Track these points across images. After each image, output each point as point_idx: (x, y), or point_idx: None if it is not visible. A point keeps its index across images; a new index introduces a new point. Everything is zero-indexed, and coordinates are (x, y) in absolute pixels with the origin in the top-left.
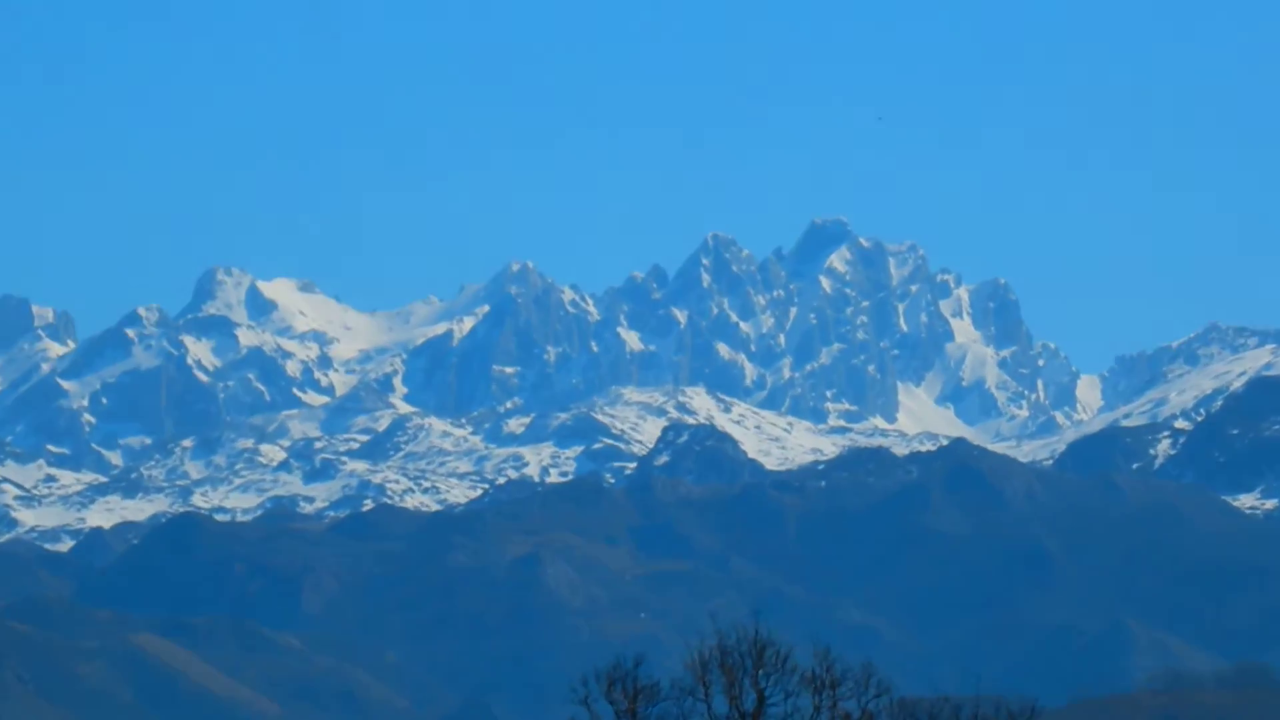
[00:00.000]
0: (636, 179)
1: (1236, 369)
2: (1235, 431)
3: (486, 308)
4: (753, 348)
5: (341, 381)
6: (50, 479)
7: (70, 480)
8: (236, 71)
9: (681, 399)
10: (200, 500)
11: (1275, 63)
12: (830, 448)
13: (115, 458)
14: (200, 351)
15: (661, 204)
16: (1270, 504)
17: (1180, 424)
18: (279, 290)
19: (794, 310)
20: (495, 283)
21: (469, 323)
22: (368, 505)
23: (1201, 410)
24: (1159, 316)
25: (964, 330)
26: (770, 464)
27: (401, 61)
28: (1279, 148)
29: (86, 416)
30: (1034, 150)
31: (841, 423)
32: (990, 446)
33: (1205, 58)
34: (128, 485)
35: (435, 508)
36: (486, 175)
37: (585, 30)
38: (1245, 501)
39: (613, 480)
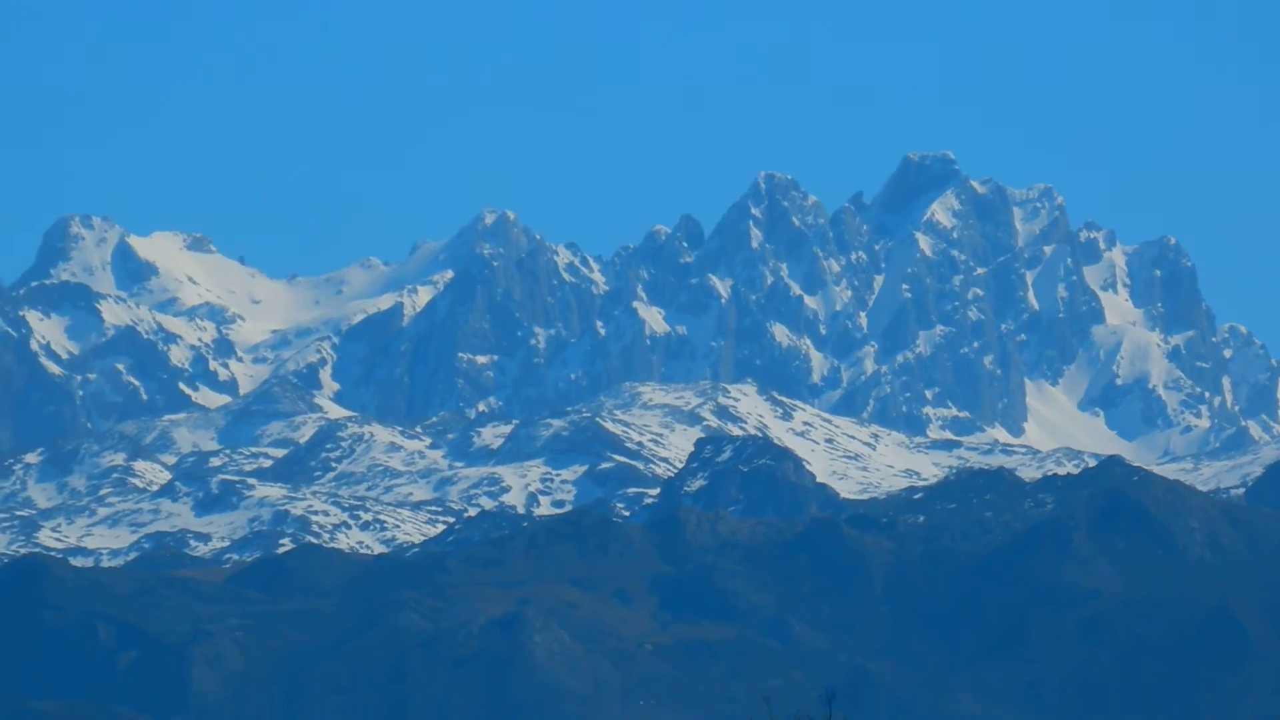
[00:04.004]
0: (659, 100)
1: None
2: None
3: (450, 274)
4: (822, 331)
5: (247, 375)
6: None
7: None
8: None
9: (723, 401)
10: (50, 539)
11: None
12: (931, 470)
13: None
14: (49, 332)
15: (695, 133)
16: None
17: None
18: (160, 248)
19: (880, 280)
20: (462, 239)
21: (425, 294)
22: (284, 546)
23: None
24: None
25: (1119, 308)
26: (847, 492)
27: None
28: None
29: None
30: (1216, 60)
31: (947, 435)
32: (1157, 469)
33: None
34: None
35: (379, 550)
36: (451, 92)
37: None
38: None
39: (627, 513)
